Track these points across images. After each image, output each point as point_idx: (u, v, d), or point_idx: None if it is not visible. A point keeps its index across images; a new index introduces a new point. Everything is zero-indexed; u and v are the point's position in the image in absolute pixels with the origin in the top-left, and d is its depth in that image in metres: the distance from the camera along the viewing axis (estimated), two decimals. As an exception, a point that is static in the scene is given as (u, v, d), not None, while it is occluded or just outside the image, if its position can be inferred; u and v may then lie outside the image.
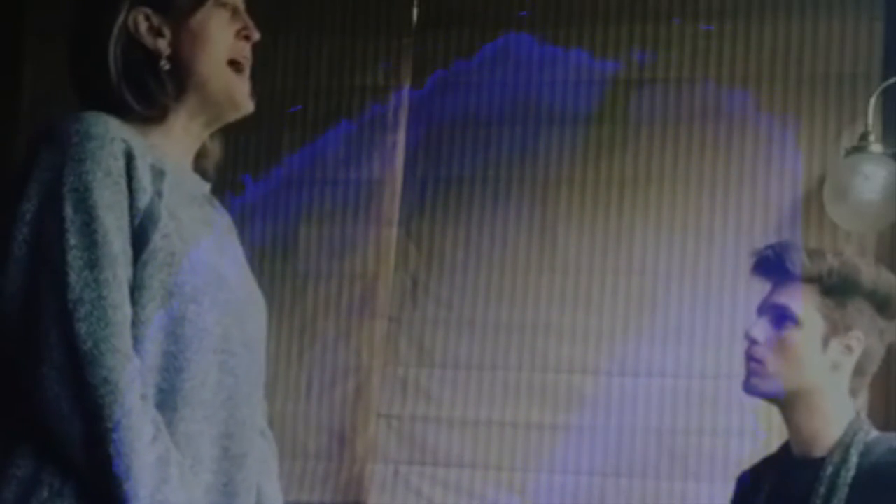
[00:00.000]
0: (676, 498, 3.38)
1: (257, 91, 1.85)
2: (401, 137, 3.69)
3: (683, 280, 3.46)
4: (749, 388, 2.29)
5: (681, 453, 3.38)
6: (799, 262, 2.27)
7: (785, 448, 2.33)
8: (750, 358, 2.28)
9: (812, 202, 3.36)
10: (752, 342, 2.27)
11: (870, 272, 2.28)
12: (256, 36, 1.83)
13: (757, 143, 3.43)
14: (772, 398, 2.30)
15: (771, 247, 2.33)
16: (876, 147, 3.22)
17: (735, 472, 2.47)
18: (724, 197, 3.45)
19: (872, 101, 3.24)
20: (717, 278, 3.43)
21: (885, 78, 3.30)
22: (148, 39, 1.77)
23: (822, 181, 3.33)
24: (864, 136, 3.23)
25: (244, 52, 1.83)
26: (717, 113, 3.48)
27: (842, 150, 3.30)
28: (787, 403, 2.28)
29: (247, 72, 1.84)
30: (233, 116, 1.84)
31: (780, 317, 2.27)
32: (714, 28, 3.49)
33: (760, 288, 2.36)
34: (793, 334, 2.25)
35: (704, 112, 3.49)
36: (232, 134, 1.94)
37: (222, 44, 1.80)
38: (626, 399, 3.44)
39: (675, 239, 3.47)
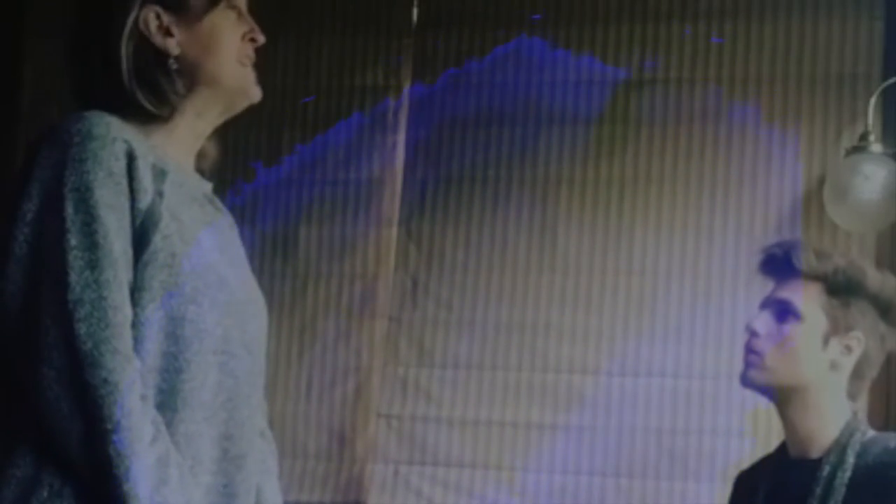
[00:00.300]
0: (676, 498, 3.38)
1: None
2: (401, 137, 3.69)
3: (683, 280, 3.45)
4: (746, 381, 2.30)
5: (681, 453, 3.38)
6: (807, 259, 2.28)
7: (782, 449, 2.33)
8: (749, 350, 2.28)
9: (812, 202, 3.36)
10: (753, 334, 2.28)
11: (876, 276, 2.29)
12: (262, 39, 1.84)
13: (757, 143, 3.43)
14: (767, 392, 2.30)
15: (779, 244, 2.35)
16: (876, 147, 3.22)
17: (735, 472, 2.48)
18: (724, 197, 3.45)
19: (872, 101, 3.24)
20: (717, 278, 3.43)
21: (885, 78, 3.30)
22: (157, 38, 1.77)
23: (822, 181, 3.33)
24: (864, 136, 3.23)
25: (249, 53, 1.84)
26: (717, 113, 3.48)
27: (842, 150, 3.30)
28: (783, 399, 2.28)
29: (251, 69, 1.85)
30: (242, 106, 1.85)
31: (783, 311, 2.27)
32: (715, 31, 3.49)
33: (764, 285, 2.36)
34: (794, 329, 2.26)
35: (705, 112, 3.49)
36: (231, 133, 1.94)
37: (231, 46, 1.81)
38: (626, 399, 3.44)
39: (674, 239, 3.47)
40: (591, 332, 3.50)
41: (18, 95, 3.86)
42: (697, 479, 3.36)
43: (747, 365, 2.29)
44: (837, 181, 3.25)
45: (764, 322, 2.28)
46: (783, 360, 2.25)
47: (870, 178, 3.19)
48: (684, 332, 3.42)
